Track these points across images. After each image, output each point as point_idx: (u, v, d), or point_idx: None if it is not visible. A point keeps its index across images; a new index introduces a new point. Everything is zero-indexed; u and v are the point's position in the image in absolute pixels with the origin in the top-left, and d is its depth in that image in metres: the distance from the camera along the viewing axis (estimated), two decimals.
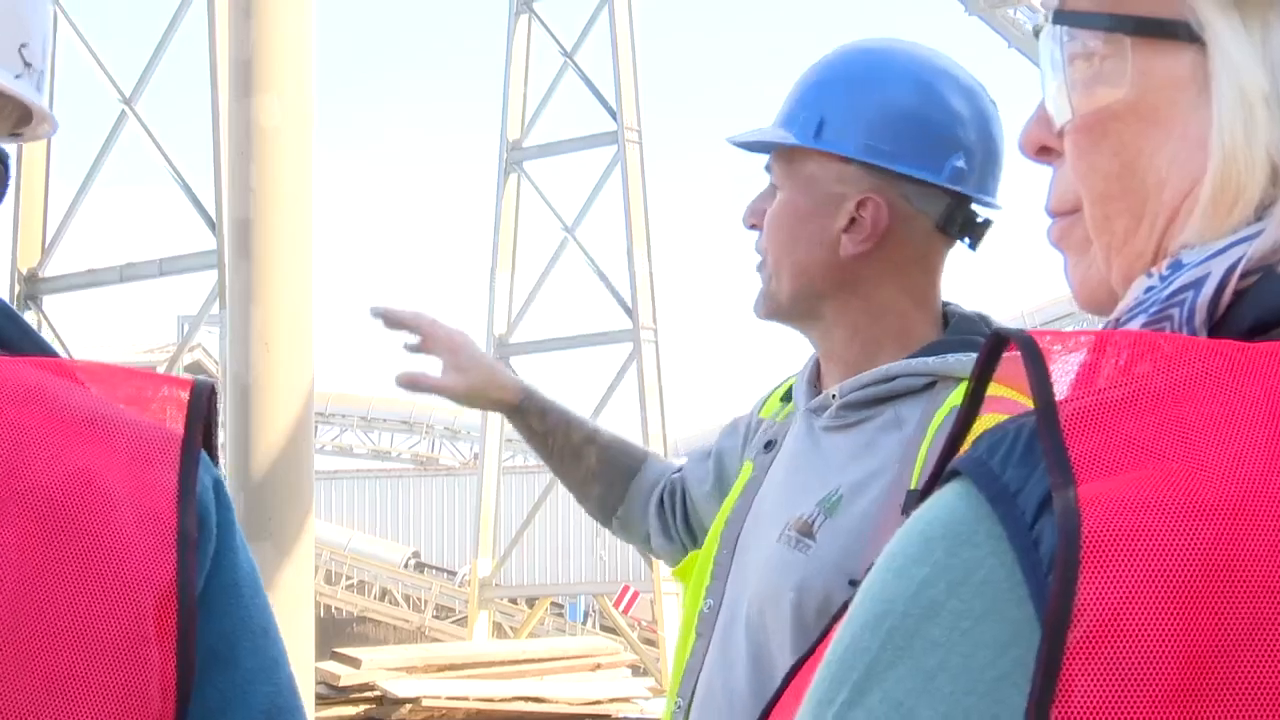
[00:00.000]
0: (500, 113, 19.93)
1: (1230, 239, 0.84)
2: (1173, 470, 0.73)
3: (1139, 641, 0.70)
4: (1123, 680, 0.70)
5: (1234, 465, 0.73)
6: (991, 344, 0.81)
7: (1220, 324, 0.83)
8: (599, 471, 2.43)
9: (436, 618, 31.40)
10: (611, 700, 15.30)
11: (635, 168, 19.20)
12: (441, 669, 14.93)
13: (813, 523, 2.01)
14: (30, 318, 12.98)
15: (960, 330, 2.12)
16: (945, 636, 0.76)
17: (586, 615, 33.03)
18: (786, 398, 2.22)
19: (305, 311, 8.87)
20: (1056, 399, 0.76)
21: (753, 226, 2.14)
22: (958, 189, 2.08)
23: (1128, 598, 0.71)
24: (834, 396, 2.07)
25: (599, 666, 16.08)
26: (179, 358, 17.44)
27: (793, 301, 2.11)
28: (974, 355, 2.31)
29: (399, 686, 14.05)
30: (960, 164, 2.07)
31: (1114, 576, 0.71)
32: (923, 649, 0.76)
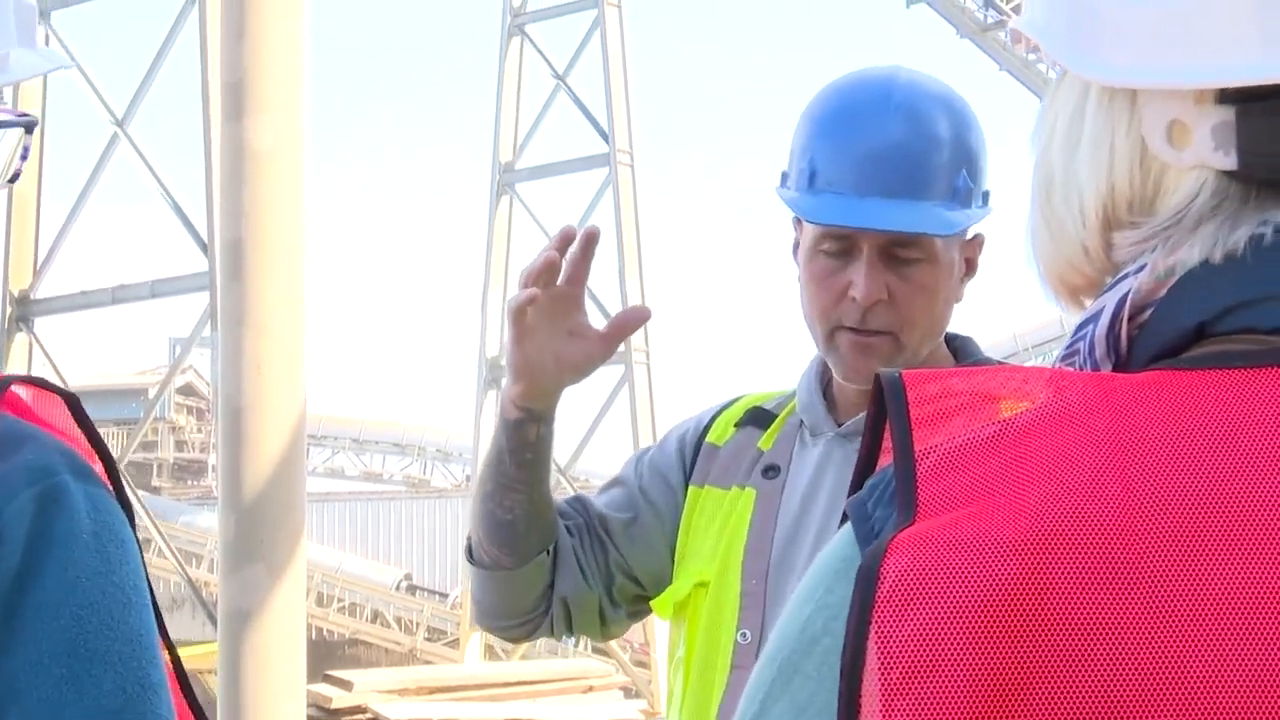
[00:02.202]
0: (492, 135, 19.96)
1: (1124, 271, 0.87)
2: (990, 507, 0.75)
3: (934, 678, 0.71)
4: (926, 717, 0.71)
5: (1050, 500, 0.74)
6: (876, 385, 0.83)
7: (1130, 356, 0.85)
8: (551, 514, 2.16)
9: (428, 640, 31.33)
10: None
11: (627, 190, 19.22)
12: (434, 691, 14.92)
13: None
14: (21, 340, 12.99)
15: (969, 352, 2.14)
16: (816, 671, 0.79)
17: (578, 638, 32.98)
18: (742, 423, 2.17)
19: (297, 333, 8.88)
20: (919, 443, 0.78)
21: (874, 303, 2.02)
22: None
23: (919, 634, 0.72)
24: None
25: (591, 688, 16.07)
26: (170, 380, 17.44)
27: (917, 359, 2.05)
28: None
29: (391, 709, 14.03)
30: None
31: (909, 613, 0.72)
32: (799, 684, 0.79)
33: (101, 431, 1.15)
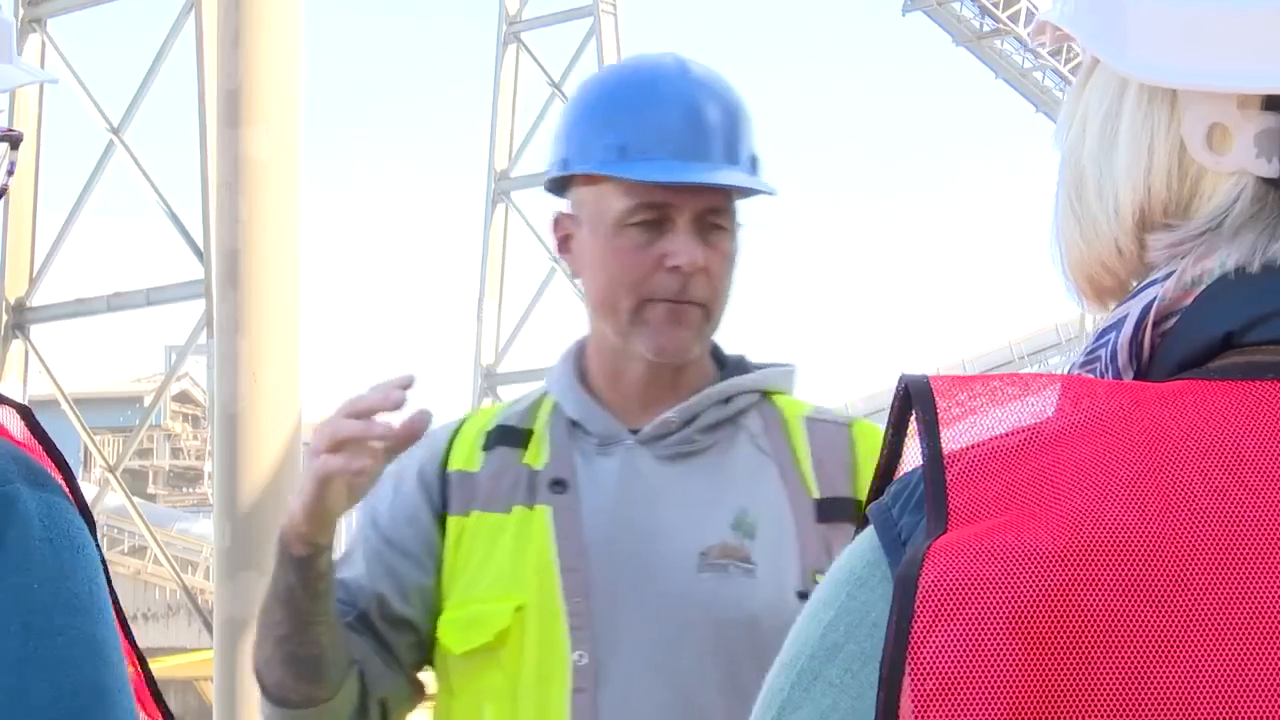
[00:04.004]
0: (488, 143, 19.96)
1: (1150, 278, 0.86)
2: (1025, 516, 0.74)
3: (970, 688, 0.70)
4: None
5: (1089, 509, 0.73)
6: (901, 393, 0.81)
7: (1151, 364, 0.84)
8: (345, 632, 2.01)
9: None
10: None
11: None
12: (430, 697, 14.88)
13: (740, 546, 1.97)
14: (18, 347, 12.98)
15: (722, 352, 2.14)
16: (840, 678, 0.78)
17: None
18: (489, 445, 2.07)
19: (293, 341, 8.87)
20: (946, 448, 0.77)
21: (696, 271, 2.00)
22: None
23: (957, 645, 0.71)
24: (673, 423, 2.03)
25: None
26: (166, 387, 17.41)
27: (712, 337, 2.07)
28: (782, 368, 2.16)
29: None
30: None
31: (947, 623, 0.71)
32: (821, 690, 0.78)
33: (97, 439, 1.15)
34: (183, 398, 40.13)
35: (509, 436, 2.08)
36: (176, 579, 15.55)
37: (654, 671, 1.94)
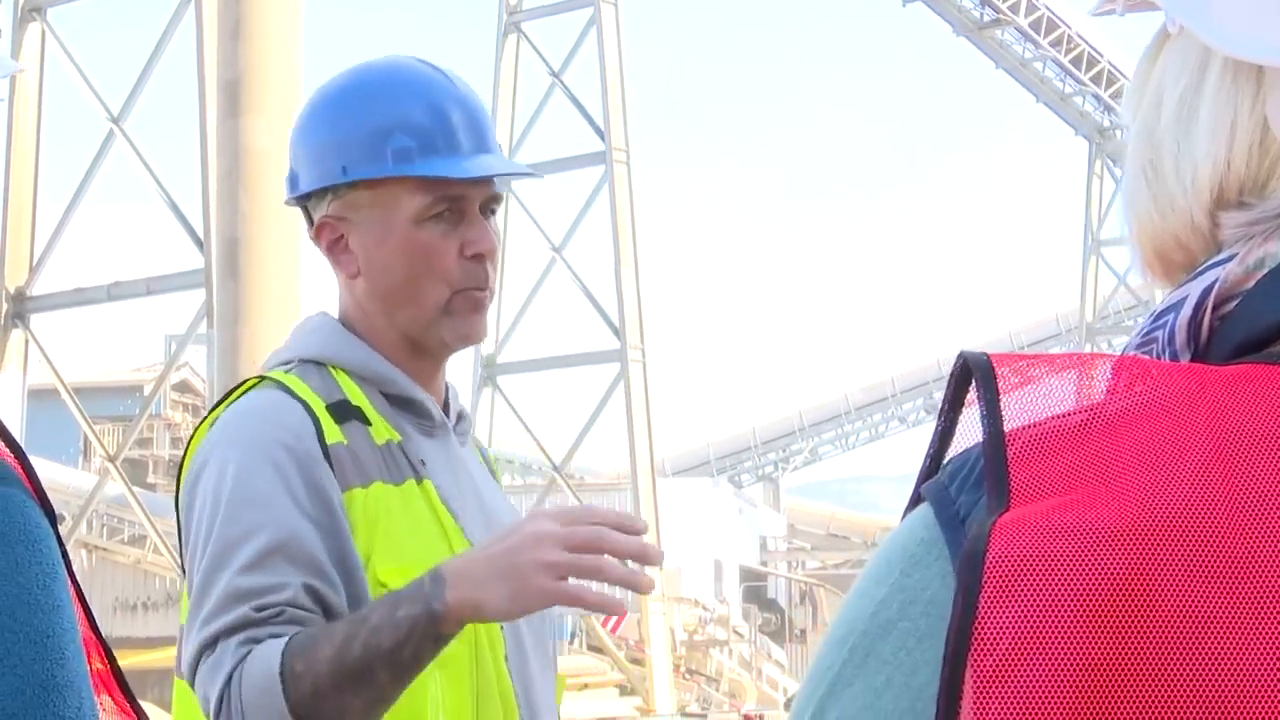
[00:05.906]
0: None
1: (1212, 259, 0.85)
2: (1091, 495, 0.73)
3: (1037, 665, 0.70)
4: (1023, 705, 0.70)
5: (1156, 490, 0.73)
6: (960, 369, 0.80)
7: (1209, 347, 0.83)
8: None
9: None
10: (599, 719, 15.28)
11: (623, 188, 19.22)
12: None
13: None
14: (18, 336, 12.98)
15: None
16: (894, 655, 0.77)
17: (574, 635, 32.97)
18: (339, 419, 2.07)
19: None
20: (1007, 426, 0.77)
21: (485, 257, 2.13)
22: None
23: (1026, 620, 0.71)
24: (458, 414, 2.21)
25: (587, 686, 16.08)
26: (166, 377, 17.41)
27: None
28: None
29: None
30: None
31: (1013, 599, 0.71)
32: (874, 667, 0.77)
33: (97, 428, 1.13)
34: (182, 387, 40.10)
35: (349, 411, 2.10)
36: (177, 568, 15.56)
37: (532, 632, 2.12)
